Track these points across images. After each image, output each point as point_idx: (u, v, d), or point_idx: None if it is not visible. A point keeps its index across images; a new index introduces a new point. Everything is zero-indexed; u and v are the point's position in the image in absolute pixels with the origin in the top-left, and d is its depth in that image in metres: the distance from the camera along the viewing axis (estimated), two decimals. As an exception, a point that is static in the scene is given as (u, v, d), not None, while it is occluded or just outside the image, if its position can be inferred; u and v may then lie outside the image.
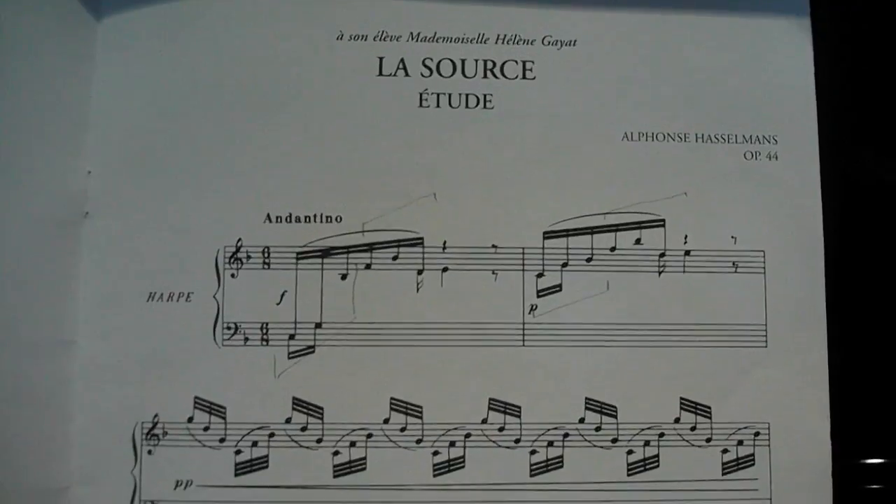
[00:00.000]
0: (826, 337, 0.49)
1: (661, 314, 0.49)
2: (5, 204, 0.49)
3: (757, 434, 0.49)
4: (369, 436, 0.48)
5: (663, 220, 0.49)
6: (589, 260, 0.49)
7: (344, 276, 0.49)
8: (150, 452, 0.48)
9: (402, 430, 0.48)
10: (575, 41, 0.50)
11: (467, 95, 0.50)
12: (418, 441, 0.48)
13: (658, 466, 0.49)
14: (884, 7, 0.53)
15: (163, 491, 0.48)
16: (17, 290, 0.48)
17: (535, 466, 0.48)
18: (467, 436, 0.48)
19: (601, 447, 0.48)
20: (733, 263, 0.49)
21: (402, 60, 0.50)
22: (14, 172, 0.49)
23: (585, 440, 0.48)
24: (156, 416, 0.48)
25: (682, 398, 0.49)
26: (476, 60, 0.50)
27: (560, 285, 0.49)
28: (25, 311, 0.48)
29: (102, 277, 0.49)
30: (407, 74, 0.50)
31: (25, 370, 0.48)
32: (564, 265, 0.49)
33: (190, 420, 0.48)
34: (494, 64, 0.50)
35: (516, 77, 0.50)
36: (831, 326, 0.49)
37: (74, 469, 0.48)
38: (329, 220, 0.49)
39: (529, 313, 0.49)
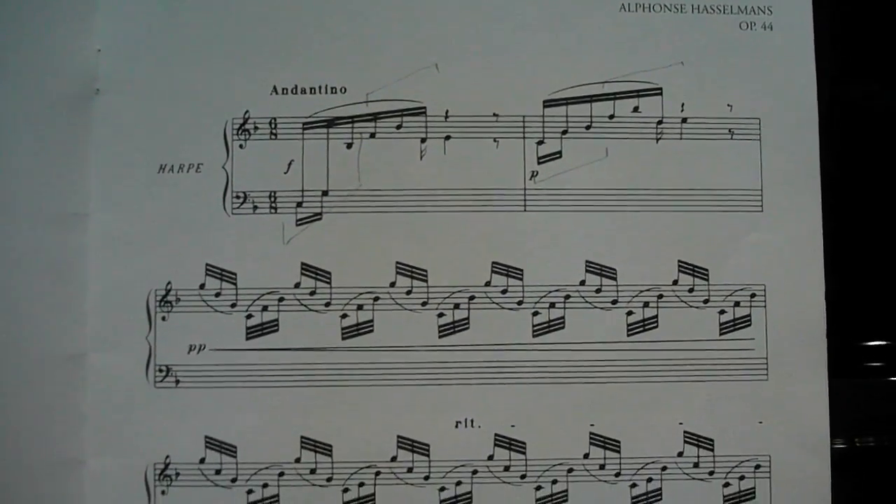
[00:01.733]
0: (820, 201, 0.50)
1: (659, 180, 0.50)
2: (18, 82, 0.50)
3: (753, 296, 0.50)
4: (376, 299, 0.49)
5: (660, 89, 0.51)
6: (588, 128, 0.50)
7: (349, 145, 0.50)
8: (163, 319, 0.50)
9: (408, 293, 0.50)
10: (572, -85, 0.51)
11: (468, -32, 0.51)
12: (423, 304, 0.49)
13: (657, 327, 0.50)
14: None
15: (176, 355, 0.50)
16: (32, 165, 0.50)
17: (537, 327, 0.50)
18: (471, 298, 0.50)
19: (601, 308, 0.50)
20: (729, 131, 0.51)
21: (403, -66, 0.51)
22: (26, 52, 0.50)
23: (586, 301, 0.50)
24: (168, 283, 0.50)
25: (680, 261, 0.50)
26: (476, -65, 0.51)
27: (560, 152, 0.50)
28: (41, 185, 0.50)
29: (114, 152, 0.50)
30: (409, -51, 0.51)
31: (41, 242, 0.50)
32: (564, 133, 0.50)
33: (202, 286, 0.50)
34: (493, -62, 0.51)
35: (515, -49, 0.51)
36: (825, 191, 0.50)
37: (90, 336, 0.49)
38: (334, 91, 0.50)
39: (530, 179, 0.50)
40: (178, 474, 0.49)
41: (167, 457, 0.49)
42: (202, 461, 0.49)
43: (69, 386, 0.49)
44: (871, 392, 0.52)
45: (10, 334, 0.49)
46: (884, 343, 0.53)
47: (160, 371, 0.49)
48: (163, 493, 0.49)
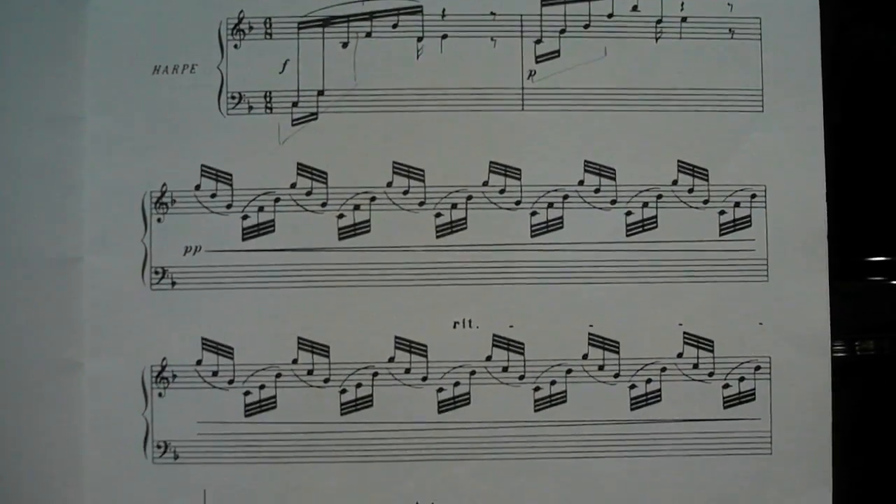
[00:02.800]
0: (822, 101, 0.50)
1: (658, 79, 0.50)
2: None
3: (753, 196, 0.50)
4: (373, 199, 0.49)
5: (660, -13, 0.50)
6: (586, 26, 0.50)
7: (345, 45, 0.49)
8: (159, 221, 0.49)
9: (405, 193, 0.49)
10: None
11: None
12: (421, 203, 0.49)
13: (656, 227, 0.49)
14: None
15: (172, 257, 0.49)
16: (26, 67, 0.49)
17: (535, 227, 0.49)
18: (469, 198, 0.49)
19: (600, 208, 0.49)
20: (729, 30, 0.50)
21: None
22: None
23: (585, 201, 0.49)
24: (164, 185, 0.49)
25: (679, 161, 0.50)
26: None
27: (558, 51, 0.50)
28: (35, 88, 0.49)
29: (108, 53, 0.50)
30: None
31: (35, 145, 0.49)
32: (562, 31, 0.50)
33: (197, 188, 0.49)
34: None
35: None
36: (827, 91, 0.50)
37: (86, 239, 0.49)
38: (329, -11, 0.49)
39: (528, 79, 0.49)
40: (174, 376, 0.49)
41: (164, 359, 0.49)
42: (199, 363, 0.49)
43: (65, 289, 0.49)
44: (872, 295, 0.52)
45: (5, 238, 0.49)
46: (886, 246, 0.52)
47: (156, 273, 0.49)
48: (160, 395, 0.49)
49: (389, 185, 0.49)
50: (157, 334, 0.49)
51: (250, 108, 0.49)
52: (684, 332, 0.49)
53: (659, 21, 0.50)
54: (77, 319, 0.49)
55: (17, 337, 0.49)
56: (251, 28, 0.49)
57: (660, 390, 0.49)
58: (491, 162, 0.49)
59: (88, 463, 0.49)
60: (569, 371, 0.49)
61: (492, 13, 0.49)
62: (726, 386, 0.49)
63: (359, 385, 0.49)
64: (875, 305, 0.52)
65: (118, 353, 0.49)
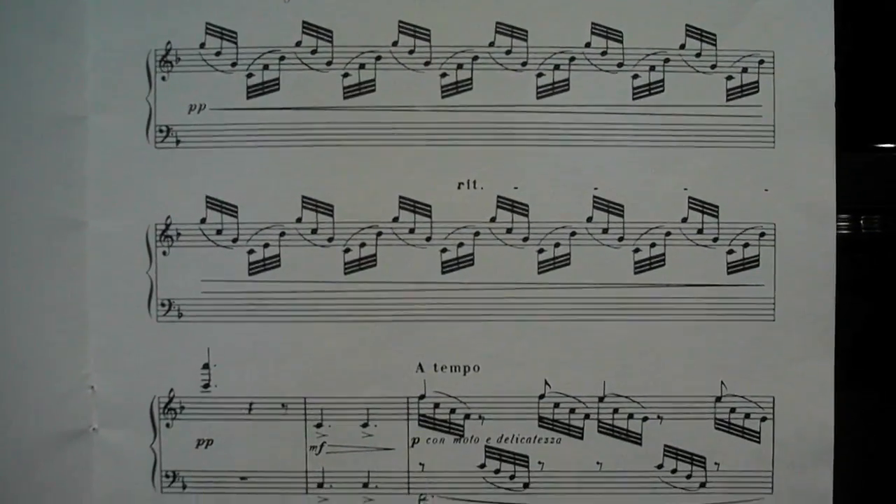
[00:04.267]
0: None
1: (667, -58, 0.49)
2: None
3: (762, 62, 0.49)
4: (378, 58, 0.49)
5: None
6: None
7: None
8: (163, 79, 0.49)
9: (411, 52, 0.49)
10: None
11: None
12: (426, 63, 0.49)
13: (663, 91, 0.49)
14: None
15: (177, 115, 0.49)
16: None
17: (541, 89, 0.49)
18: (474, 58, 0.49)
19: (606, 71, 0.49)
20: None
21: None
22: None
23: (591, 63, 0.49)
24: (168, 43, 0.49)
25: (687, 25, 0.49)
26: None
27: None
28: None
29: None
30: None
31: (39, 3, 0.49)
32: None
33: (202, 46, 0.49)
34: None
35: None
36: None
37: (90, 98, 0.49)
38: None
39: (537, -62, 0.49)
40: (179, 234, 0.49)
41: (168, 217, 0.49)
42: (203, 221, 0.49)
43: (69, 148, 0.49)
44: (879, 169, 0.52)
45: (8, 97, 0.49)
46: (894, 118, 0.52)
47: (160, 131, 0.49)
48: (164, 253, 0.49)
49: (395, 44, 0.49)
50: (161, 193, 0.49)
51: (256, -35, 0.49)
52: (689, 197, 0.49)
53: None
54: (81, 178, 0.49)
55: (21, 196, 0.49)
56: None
57: (664, 255, 0.49)
58: (497, 22, 0.49)
59: (93, 322, 0.49)
60: (573, 234, 0.49)
61: None
62: (730, 252, 0.49)
63: (363, 244, 0.49)
64: (882, 179, 0.52)
65: (122, 211, 0.49)
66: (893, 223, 0.53)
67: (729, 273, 0.49)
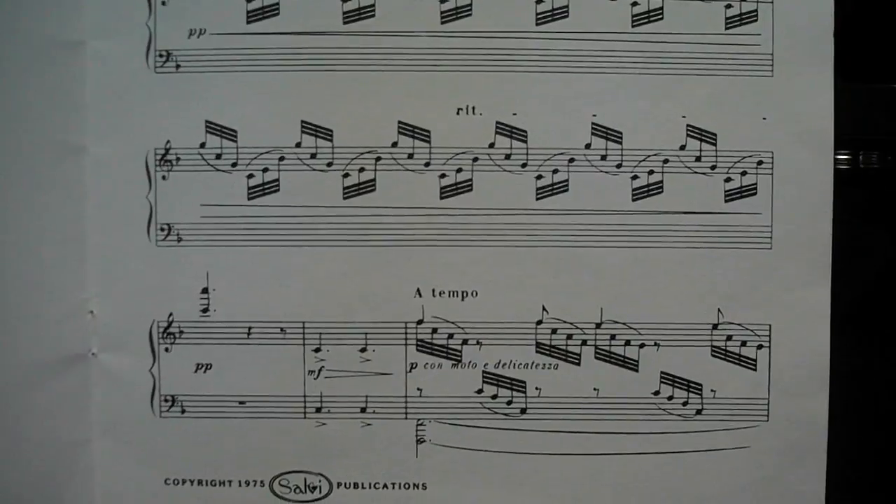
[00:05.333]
0: None
1: None
2: None
3: (761, -10, 0.49)
4: (379, -18, 0.49)
5: None
6: None
7: None
8: (163, 3, 0.49)
9: (411, -23, 0.49)
10: None
11: None
12: (427, -12, 0.49)
13: (662, 19, 0.49)
14: None
15: (177, 40, 0.49)
16: None
17: (540, 15, 0.49)
18: (475, -17, 0.49)
19: (605, -5, 0.49)
20: None
21: None
22: None
23: (590, -12, 0.49)
24: (168, -33, 0.49)
25: (686, -47, 0.49)
26: None
27: None
28: None
29: None
30: None
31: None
32: None
33: (202, -31, 0.49)
34: None
35: None
36: None
37: (88, 23, 0.49)
38: None
39: None
40: (178, 159, 0.49)
41: (168, 142, 0.49)
42: (202, 146, 0.49)
43: (69, 73, 0.49)
44: (878, 101, 0.52)
45: (6, 23, 0.49)
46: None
47: (160, 56, 0.49)
48: (163, 177, 0.49)
49: (395, -30, 0.49)
50: (160, 118, 0.49)
51: None
52: (687, 125, 0.49)
53: None
54: (81, 103, 0.49)
55: (20, 121, 0.49)
56: None
57: (662, 182, 0.49)
58: (496, -52, 0.49)
59: (92, 246, 0.49)
60: (571, 160, 0.49)
61: None
62: (728, 179, 0.50)
63: (361, 169, 0.49)
64: (881, 113, 0.52)
65: (122, 136, 0.49)
66: (892, 158, 0.53)
67: (727, 201, 0.50)
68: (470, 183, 0.49)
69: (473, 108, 0.49)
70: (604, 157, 0.49)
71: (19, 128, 0.49)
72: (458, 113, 0.49)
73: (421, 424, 0.50)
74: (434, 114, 0.49)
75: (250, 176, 0.49)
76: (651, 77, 0.49)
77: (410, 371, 0.50)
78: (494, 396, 0.50)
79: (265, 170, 0.49)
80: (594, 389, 0.50)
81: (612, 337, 0.50)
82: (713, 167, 0.49)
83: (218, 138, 0.49)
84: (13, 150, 0.49)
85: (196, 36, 0.49)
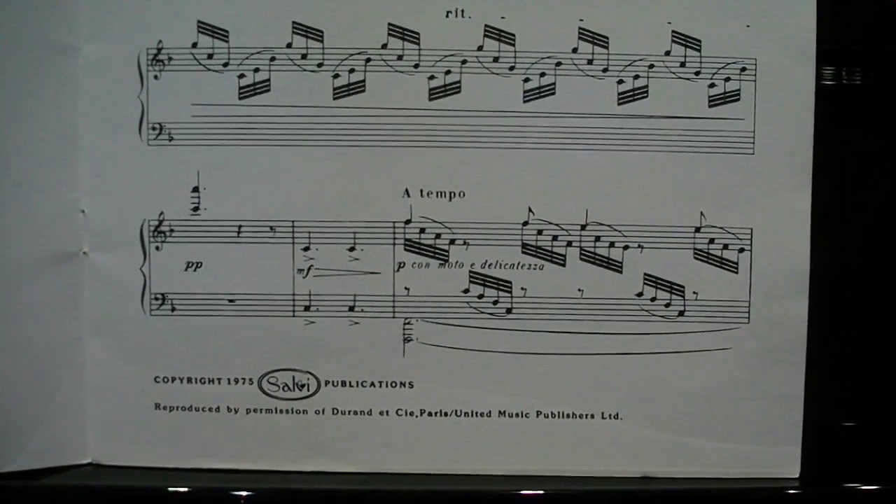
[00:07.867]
0: None
1: None
2: None
3: None
4: None
5: None
6: None
7: None
8: None
9: None
10: None
11: None
12: None
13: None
14: None
15: (170, -59, 0.50)
16: None
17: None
18: None
19: None
20: None
21: None
22: None
23: None
24: None
25: None
26: None
27: None
28: None
29: None
30: None
31: None
32: None
33: None
34: None
35: None
36: None
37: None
38: None
39: None
40: (170, 59, 0.50)
41: (160, 41, 0.50)
42: (194, 45, 0.50)
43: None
44: (862, 9, 0.53)
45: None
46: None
47: (153, -43, 0.50)
48: (155, 77, 0.50)
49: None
50: (152, 16, 0.50)
51: None
52: (672, 31, 0.50)
53: None
54: (73, 3, 0.50)
55: (13, 20, 0.49)
56: None
57: (647, 86, 0.50)
58: None
59: (84, 146, 0.50)
60: (558, 63, 0.50)
61: None
62: (712, 85, 0.50)
63: (352, 70, 0.50)
64: (866, 22, 0.53)
65: (114, 35, 0.50)
66: (874, 75, 0.54)
67: (710, 106, 0.50)
68: (458, 85, 0.50)
69: (462, 11, 0.50)
70: (590, 62, 0.50)
71: (11, 27, 0.49)
72: (447, 15, 0.50)
73: (408, 323, 0.51)
74: (423, 16, 0.50)
75: (241, 76, 0.50)
76: (637, -17, 0.50)
77: (398, 270, 0.50)
78: (481, 296, 0.51)
79: (256, 70, 0.50)
80: (579, 290, 0.51)
81: (597, 238, 0.50)
82: (697, 73, 0.50)
83: (210, 38, 0.50)
84: (5, 49, 0.49)
85: (189, -62, 0.50)
